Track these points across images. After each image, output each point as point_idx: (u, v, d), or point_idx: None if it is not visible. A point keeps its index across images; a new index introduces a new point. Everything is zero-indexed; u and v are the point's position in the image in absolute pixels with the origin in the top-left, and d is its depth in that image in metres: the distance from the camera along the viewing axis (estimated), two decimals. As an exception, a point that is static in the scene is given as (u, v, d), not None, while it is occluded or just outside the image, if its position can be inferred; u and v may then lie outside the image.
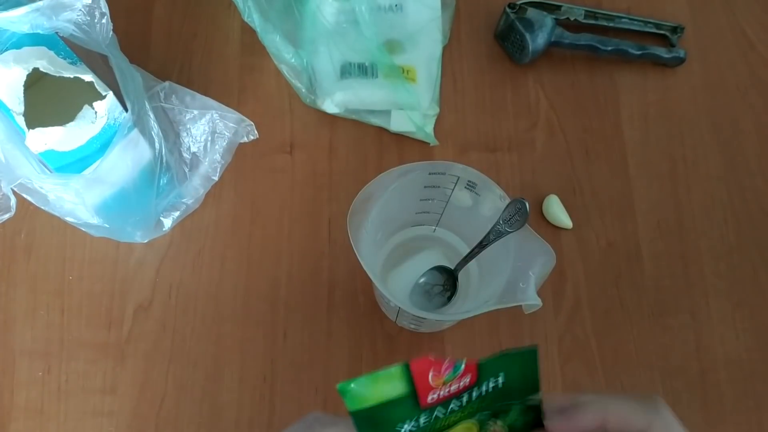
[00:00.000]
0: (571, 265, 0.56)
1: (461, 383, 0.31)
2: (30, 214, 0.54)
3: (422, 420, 0.32)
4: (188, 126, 0.54)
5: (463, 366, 0.30)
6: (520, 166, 0.59)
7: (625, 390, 0.53)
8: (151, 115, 0.48)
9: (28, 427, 0.50)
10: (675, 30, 0.65)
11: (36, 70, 0.44)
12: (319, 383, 0.52)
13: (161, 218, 0.54)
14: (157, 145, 0.49)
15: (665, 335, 0.55)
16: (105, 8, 0.42)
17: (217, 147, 0.55)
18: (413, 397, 0.31)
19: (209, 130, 0.54)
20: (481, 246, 0.46)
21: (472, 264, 0.49)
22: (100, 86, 0.44)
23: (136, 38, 0.61)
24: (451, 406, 0.32)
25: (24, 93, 0.43)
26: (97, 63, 0.46)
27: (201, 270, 0.55)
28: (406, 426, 0.32)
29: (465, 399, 0.32)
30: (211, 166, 0.55)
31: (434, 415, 0.32)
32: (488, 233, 0.45)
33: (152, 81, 0.56)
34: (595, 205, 0.58)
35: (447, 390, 0.31)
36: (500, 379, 0.31)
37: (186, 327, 0.53)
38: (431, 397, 0.31)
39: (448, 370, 0.31)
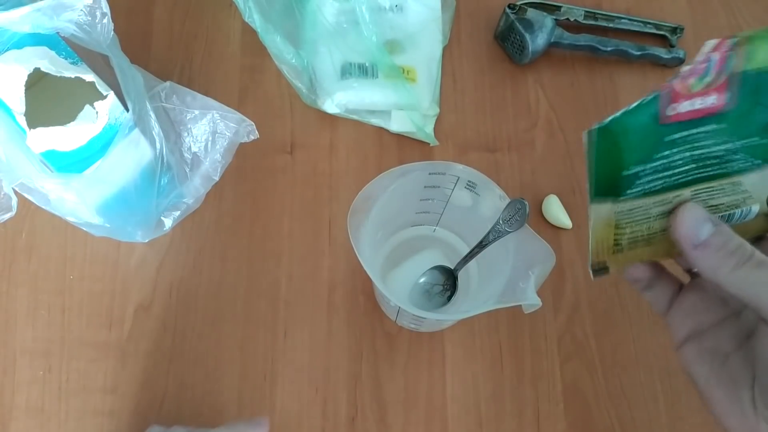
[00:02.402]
0: (571, 265, 0.56)
1: (708, 100, 0.30)
2: (31, 214, 0.54)
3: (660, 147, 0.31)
4: (189, 126, 0.54)
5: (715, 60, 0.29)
6: (520, 166, 0.59)
7: (624, 390, 0.53)
8: (152, 115, 0.48)
9: (29, 427, 0.50)
10: (675, 30, 0.65)
11: (37, 70, 0.44)
12: (319, 383, 0.52)
13: (162, 218, 0.54)
14: (158, 145, 0.49)
15: (665, 335, 0.55)
16: (106, 8, 0.42)
17: (217, 147, 0.55)
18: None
19: (210, 130, 0.54)
20: (481, 246, 0.46)
21: (472, 264, 0.49)
22: (101, 86, 0.44)
23: (137, 38, 0.61)
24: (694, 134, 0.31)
25: (25, 93, 0.43)
26: (99, 63, 0.46)
27: (201, 269, 0.55)
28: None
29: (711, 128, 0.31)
30: (211, 166, 0.55)
31: (673, 144, 0.31)
32: (488, 233, 0.45)
33: (153, 81, 0.56)
34: (595, 205, 0.58)
35: (691, 104, 0.30)
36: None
37: (186, 326, 0.53)
38: (673, 109, 0.30)
39: (699, 69, 0.29)
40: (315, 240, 0.56)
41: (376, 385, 0.52)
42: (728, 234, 0.32)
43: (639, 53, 0.62)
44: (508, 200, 0.44)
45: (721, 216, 0.34)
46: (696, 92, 0.31)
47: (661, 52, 0.63)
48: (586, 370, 0.53)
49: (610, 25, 0.64)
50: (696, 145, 0.32)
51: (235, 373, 0.52)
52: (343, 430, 0.51)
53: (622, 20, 0.64)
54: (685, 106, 0.31)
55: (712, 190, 0.33)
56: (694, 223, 0.32)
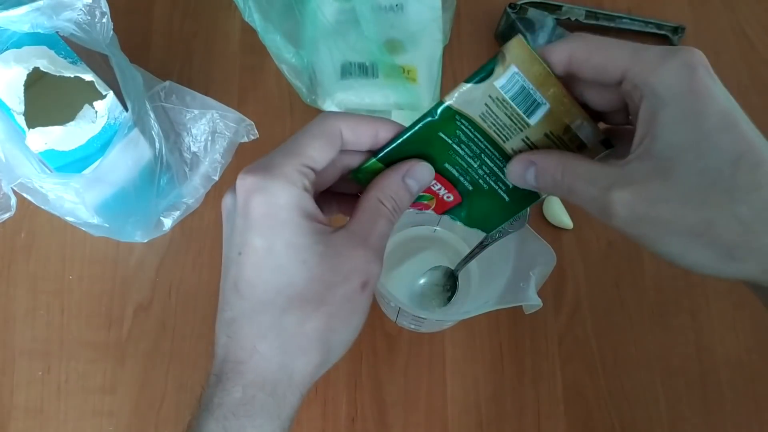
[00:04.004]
0: (572, 265, 0.56)
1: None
2: (30, 214, 0.54)
3: None
4: (188, 126, 0.54)
5: None
6: (521, 166, 0.59)
7: (625, 390, 0.53)
8: (152, 115, 0.48)
9: (28, 427, 0.50)
10: (676, 30, 0.65)
11: (36, 69, 0.44)
12: (319, 383, 0.52)
13: (161, 218, 0.54)
14: (157, 144, 0.49)
15: (666, 336, 0.55)
16: (105, 8, 0.42)
17: (217, 147, 0.54)
18: None
19: (209, 129, 0.54)
20: (482, 246, 0.46)
21: (473, 264, 0.49)
22: (100, 86, 0.44)
23: (136, 38, 0.61)
24: None
25: (24, 92, 0.43)
26: (98, 62, 0.46)
27: (201, 270, 0.55)
28: None
29: None
30: (211, 165, 0.55)
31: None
32: (489, 233, 0.45)
33: (152, 80, 0.56)
34: (596, 206, 0.58)
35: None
36: None
37: (186, 327, 0.53)
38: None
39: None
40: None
41: (376, 386, 0.52)
42: (547, 163, 0.32)
43: (640, 53, 0.62)
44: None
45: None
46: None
47: (662, 52, 0.63)
48: (586, 370, 0.53)
49: (612, 24, 0.64)
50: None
51: (235, 374, 0.52)
52: (343, 431, 0.51)
53: (624, 20, 0.64)
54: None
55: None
56: (519, 174, 0.33)
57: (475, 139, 0.33)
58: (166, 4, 0.63)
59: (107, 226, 0.49)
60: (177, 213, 0.54)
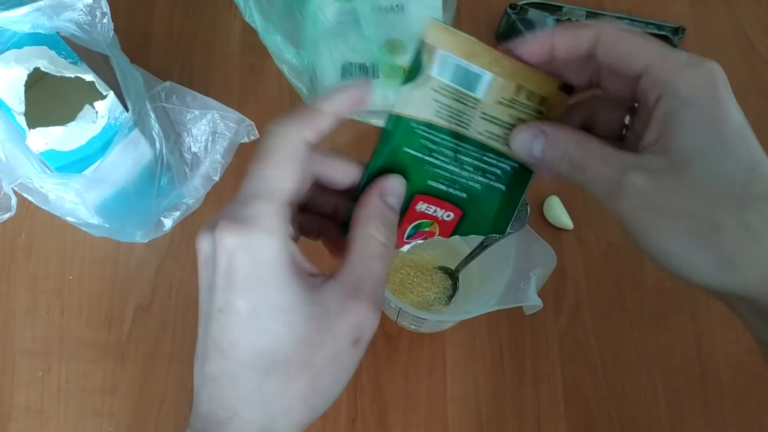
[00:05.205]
0: (572, 266, 0.56)
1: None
2: (30, 214, 0.54)
3: None
4: (189, 126, 0.54)
5: None
6: (521, 166, 0.59)
7: (625, 391, 0.53)
8: (152, 115, 0.48)
9: (28, 427, 0.50)
10: (676, 31, 0.65)
11: (37, 69, 0.44)
12: (319, 384, 0.52)
13: (162, 218, 0.54)
14: (157, 145, 0.49)
15: (666, 336, 0.55)
16: (106, 8, 0.42)
17: (217, 147, 0.55)
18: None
19: (210, 130, 0.54)
20: (482, 247, 0.46)
21: (473, 264, 0.49)
22: (101, 86, 0.44)
23: (137, 38, 0.61)
24: None
25: (25, 92, 0.43)
26: (98, 63, 0.46)
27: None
28: None
29: None
30: (211, 166, 0.55)
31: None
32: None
33: (153, 81, 0.56)
34: (596, 206, 0.58)
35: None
36: None
37: (186, 327, 0.53)
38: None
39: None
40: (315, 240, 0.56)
41: (377, 386, 0.52)
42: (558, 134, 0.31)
43: (640, 54, 0.62)
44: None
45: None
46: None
47: (663, 53, 0.63)
48: (587, 371, 0.53)
49: (612, 25, 0.64)
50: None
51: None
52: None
53: (624, 20, 0.64)
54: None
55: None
56: (525, 147, 0.32)
57: (443, 142, 0.32)
58: (166, 5, 0.63)
59: (107, 226, 0.49)
60: (177, 213, 0.54)
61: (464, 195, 0.33)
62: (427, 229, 0.34)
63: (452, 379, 0.52)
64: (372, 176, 0.31)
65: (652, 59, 0.29)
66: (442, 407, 0.52)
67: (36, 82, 0.45)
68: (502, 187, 0.34)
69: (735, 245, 0.28)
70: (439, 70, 0.31)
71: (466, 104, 0.32)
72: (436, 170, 0.32)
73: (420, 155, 0.32)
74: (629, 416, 0.52)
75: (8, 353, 0.51)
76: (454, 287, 0.51)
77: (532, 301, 0.41)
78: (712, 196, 0.28)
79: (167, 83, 0.54)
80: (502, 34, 0.62)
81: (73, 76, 0.44)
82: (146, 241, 0.54)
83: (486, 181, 0.33)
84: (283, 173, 0.28)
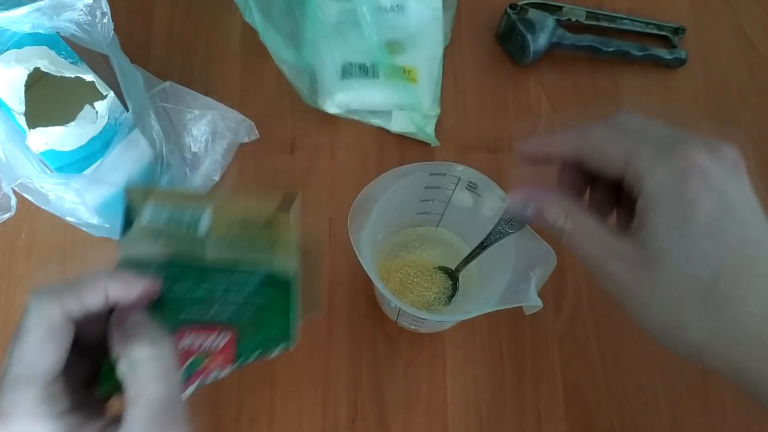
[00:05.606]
0: (572, 266, 0.56)
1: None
2: (30, 214, 0.54)
3: None
4: (189, 126, 0.54)
5: None
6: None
7: (626, 391, 0.53)
8: (152, 115, 0.48)
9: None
10: (676, 31, 0.65)
11: (37, 69, 0.44)
12: (319, 383, 0.52)
13: (162, 218, 0.54)
14: (157, 145, 0.49)
15: (666, 336, 0.55)
16: (106, 8, 0.42)
17: (217, 147, 0.55)
18: None
19: (210, 130, 0.54)
20: (482, 247, 0.46)
21: (473, 264, 0.49)
22: (101, 86, 0.44)
23: (137, 38, 0.61)
24: None
25: (25, 92, 0.43)
26: (98, 63, 0.46)
27: (201, 270, 0.54)
28: None
29: None
30: (211, 166, 0.55)
31: None
32: (489, 234, 0.45)
33: (153, 81, 0.56)
34: (596, 206, 0.58)
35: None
36: None
37: (186, 327, 0.53)
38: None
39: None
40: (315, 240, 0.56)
41: (377, 386, 0.52)
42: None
43: (641, 54, 0.62)
44: (509, 201, 0.44)
45: None
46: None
47: (663, 53, 0.63)
48: (587, 371, 0.53)
49: (612, 25, 0.64)
50: None
51: (235, 374, 0.52)
52: (343, 432, 0.51)
53: (624, 21, 0.64)
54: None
55: None
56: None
57: (180, 274, 0.33)
58: (166, 5, 0.63)
59: (108, 226, 0.49)
60: (177, 213, 0.54)
61: (227, 315, 0.33)
62: (200, 366, 0.33)
63: (452, 379, 0.52)
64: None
65: (623, 165, 0.31)
66: (442, 407, 0.52)
67: (36, 82, 0.45)
68: (265, 298, 0.34)
69: (701, 342, 0.30)
70: (152, 217, 0.34)
71: (191, 239, 0.34)
72: (183, 301, 0.33)
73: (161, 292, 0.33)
74: (629, 416, 0.52)
75: (8, 353, 0.51)
76: (454, 287, 0.51)
77: (532, 301, 0.41)
78: (679, 296, 0.30)
79: (167, 83, 0.54)
80: (502, 34, 0.62)
81: (73, 76, 0.44)
82: (146, 241, 0.54)
83: (245, 297, 0.34)
84: (41, 354, 0.27)
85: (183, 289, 0.33)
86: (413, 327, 0.52)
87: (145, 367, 0.28)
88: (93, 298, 0.29)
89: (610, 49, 0.62)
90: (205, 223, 0.34)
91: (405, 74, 0.58)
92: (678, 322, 0.30)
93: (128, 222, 0.34)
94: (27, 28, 0.41)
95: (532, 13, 0.61)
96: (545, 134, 0.33)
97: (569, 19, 0.63)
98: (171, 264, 0.33)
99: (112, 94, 0.44)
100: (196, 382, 0.32)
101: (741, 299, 0.29)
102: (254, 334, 0.34)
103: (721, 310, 0.29)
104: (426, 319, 0.48)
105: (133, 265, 0.33)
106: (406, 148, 0.59)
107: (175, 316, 0.32)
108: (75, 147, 0.44)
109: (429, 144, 0.59)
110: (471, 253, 0.47)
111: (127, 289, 0.30)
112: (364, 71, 0.58)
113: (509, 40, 0.62)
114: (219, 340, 0.33)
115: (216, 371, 0.33)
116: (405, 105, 0.58)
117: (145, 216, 0.34)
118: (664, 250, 0.29)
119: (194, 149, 0.54)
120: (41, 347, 0.27)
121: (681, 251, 0.29)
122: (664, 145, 0.30)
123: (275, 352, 0.34)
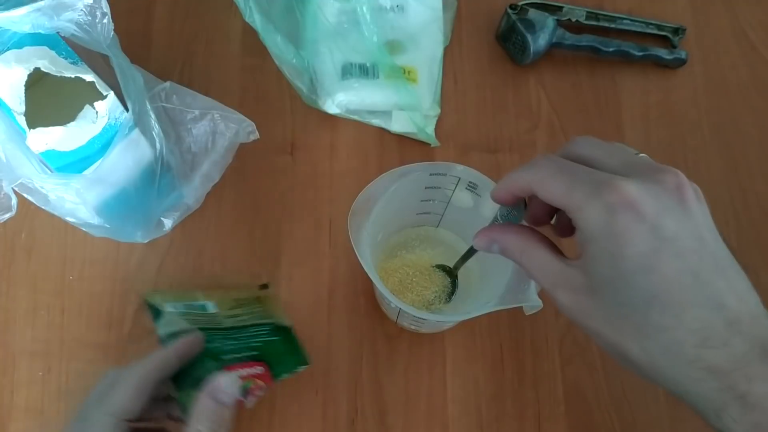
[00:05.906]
0: (572, 266, 0.56)
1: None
2: (30, 214, 0.54)
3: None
4: (189, 126, 0.54)
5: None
6: (521, 167, 0.59)
7: (626, 392, 0.53)
8: (152, 115, 0.48)
9: (29, 428, 0.50)
10: (676, 31, 0.65)
11: (37, 69, 0.43)
12: (319, 383, 0.52)
13: (162, 218, 0.54)
14: (158, 145, 0.49)
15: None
16: (106, 8, 0.42)
17: (218, 147, 0.54)
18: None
19: (210, 130, 0.54)
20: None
21: (473, 264, 0.49)
22: (101, 86, 0.44)
23: (137, 38, 0.61)
24: None
25: (25, 93, 0.43)
26: (99, 63, 0.46)
27: (202, 270, 0.55)
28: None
29: None
30: (211, 166, 0.55)
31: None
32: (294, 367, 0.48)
33: (153, 81, 0.56)
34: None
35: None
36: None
37: (186, 327, 0.53)
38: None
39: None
40: (315, 241, 0.56)
41: (377, 387, 0.52)
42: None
43: (641, 54, 0.62)
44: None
45: None
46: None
47: (663, 53, 0.63)
48: (587, 372, 0.53)
49: (612, 25, 0.64)
50: None
51: (235, 374, 0.52)
52: (344, 432, 0.51)
53: (624, 21, 0.64)
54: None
55: None
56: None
57: (211, 336, 0.47)
58: (166, 5, 0.63)
59: (108, 226, 0.49)
60: (177, 213, 0.54)
61: (254, 353, 0.46)
62: (250, 387, 0.44)
63: (452, 379, 0.52)
64: (188, 372, 0.45)
65: (561, 201, 0.32)
66: (442, 407, 0.52)
67: (36, 82, 0.45)
68: (276, 338, 0.47)
69: (642, 365, 0.32)
70: (173, 309, 0.48)
71: (208, 316, 0.47)
72: (220, 350, 0.46)
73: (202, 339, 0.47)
74: (629, 416, 0.52)
75: (8, 353, 0.51)
76: (454, 285, 0.50)
77: (533, 302, 0.41)
78: (618, 323, 0.32)
79: (167, 83, 0.54)
80: (502, 34, 0.62)
81: (73, 76, 0.44)
82: (146, 241, 0.54)
83: (263, 340, 0.47)
84: (127, 392, 0.41)
85: (216, 343, 0.46)
86: (413, 327, 0.52)
87: None
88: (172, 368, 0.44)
89: (610, 50, 0.62)
90: (212, 308, 0.47)
91: (405, 74, 0.58)
92: (619, 348, 0.32)
93: (157, 313, 0.48)
94: (27, 29, 0.41)
95: (532, 14, 0.61)
96: (507, 175, 0.35)
97: (569, 20, 0.63)
98: (201, 329, 0.46)
99: (112, 94, 0.44)
100: (254, 399, 0.44)
101: (672, 328, 0.30)
102: (279, 364, 0.46)
103: (655, 336, 0.31)
104: (426, 320, 0.48)
105: (175, 336, 0.46)
106: (406, 148, 0.59)
107: (220, 359, 0.45)
108: (75, 147, 0.44)
109: (429, 144, 0.59)
110: (468, 251, 0.47)
111: (186, 345, 0.45)
112: (364, 71, 0.58)
113: (509, 40, 0.62)
114: (256, 370, 0.45)
115: (261, 389, 0.44)
116: (405, 105, 0.58)
117: (168, 308, 0.48)
118: (601, 280, 0.31)
119: (194, 149, 0.54)
120: (129, 390, 0.42)
121: (613, 284, 0.31)
122: (599, 182, 0.31)
123: (300, 370, 0.47)
